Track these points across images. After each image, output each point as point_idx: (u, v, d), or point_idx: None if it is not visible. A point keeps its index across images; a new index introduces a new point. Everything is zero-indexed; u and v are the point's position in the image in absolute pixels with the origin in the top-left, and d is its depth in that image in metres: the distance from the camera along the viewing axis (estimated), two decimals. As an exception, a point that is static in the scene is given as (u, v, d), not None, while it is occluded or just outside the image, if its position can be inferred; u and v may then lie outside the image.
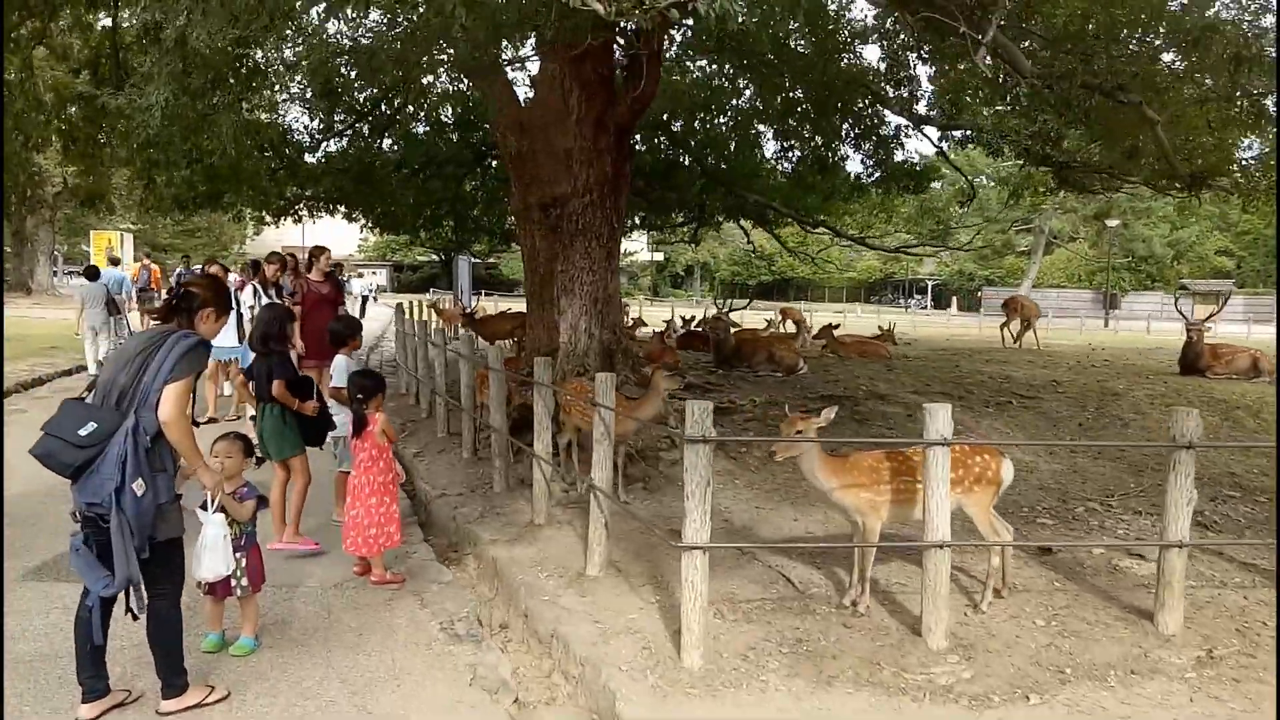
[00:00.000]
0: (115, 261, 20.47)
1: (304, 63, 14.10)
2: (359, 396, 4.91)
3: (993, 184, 35.12)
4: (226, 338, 8.25)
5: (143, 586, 3.27)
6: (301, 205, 17.35)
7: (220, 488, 3.73)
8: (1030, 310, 16.34)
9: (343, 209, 17.69)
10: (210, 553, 3.72)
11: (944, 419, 3.94)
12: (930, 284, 71.91)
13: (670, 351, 10.08)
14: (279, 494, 5.63)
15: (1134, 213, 48.53)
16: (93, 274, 14.55)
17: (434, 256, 66.49)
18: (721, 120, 13.19)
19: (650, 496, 6.58)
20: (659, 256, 68.58)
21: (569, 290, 8.27)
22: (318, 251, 8.61)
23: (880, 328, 13.17)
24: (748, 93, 12.68)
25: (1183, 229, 54.13)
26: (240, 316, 9.09)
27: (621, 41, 7.89)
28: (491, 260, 70.03)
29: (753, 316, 19.00)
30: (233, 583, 3.91)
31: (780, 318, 18.31)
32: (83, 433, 3.17)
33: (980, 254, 56.43)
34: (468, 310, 20.35)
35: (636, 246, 63.22)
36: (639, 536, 5.51)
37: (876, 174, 12.73)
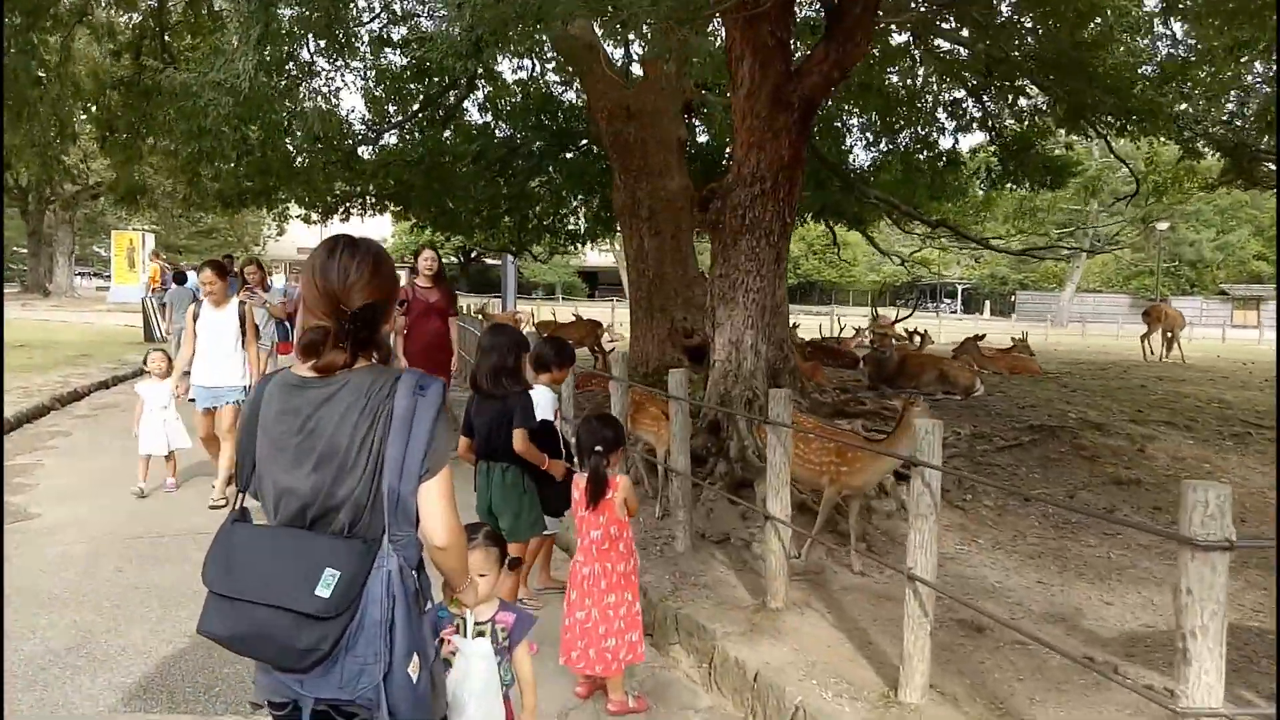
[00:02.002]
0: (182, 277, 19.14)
1: (386, 41, 12.84)
2: (597, 449, 3.48)
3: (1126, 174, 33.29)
4: (224, 371, 6.44)
5: None
6: (353, 202, 16.08)
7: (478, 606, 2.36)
8: (1175, 320, 14.90)
9: (395, 206, 16.44)
10: (479, 700, 2.32)
11: (1216, 501, 2.43)
12: (960, 288, 70.34)
13: (816, 369, 8.68)
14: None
15: (1182, 215, 46.93)
16: (181, 278, 13.57)
17: (453, 259, 65.15)
18: (853, 107, 11.71)
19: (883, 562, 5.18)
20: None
21: (729, 298, 6.87)
22: (421, 250, 7.23)
23: (1013, 339, 11.78)
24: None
25: (1229, 233, 52.54)
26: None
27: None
28: (496, 262, 68.66)
29: (814, 323, 17.63)
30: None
31: (866, 324, 16.85)
32: (323, 593, 1.76)
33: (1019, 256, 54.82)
34: (516, 316, 18.99)
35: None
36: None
37: (1014, 167, 11.31)
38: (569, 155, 13.40)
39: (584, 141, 13.30)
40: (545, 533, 4.65)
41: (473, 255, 64.75)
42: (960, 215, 15.40)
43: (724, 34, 7.51)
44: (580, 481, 3.58)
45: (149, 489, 6.64)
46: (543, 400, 4.53)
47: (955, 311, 65.41)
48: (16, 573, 4.81)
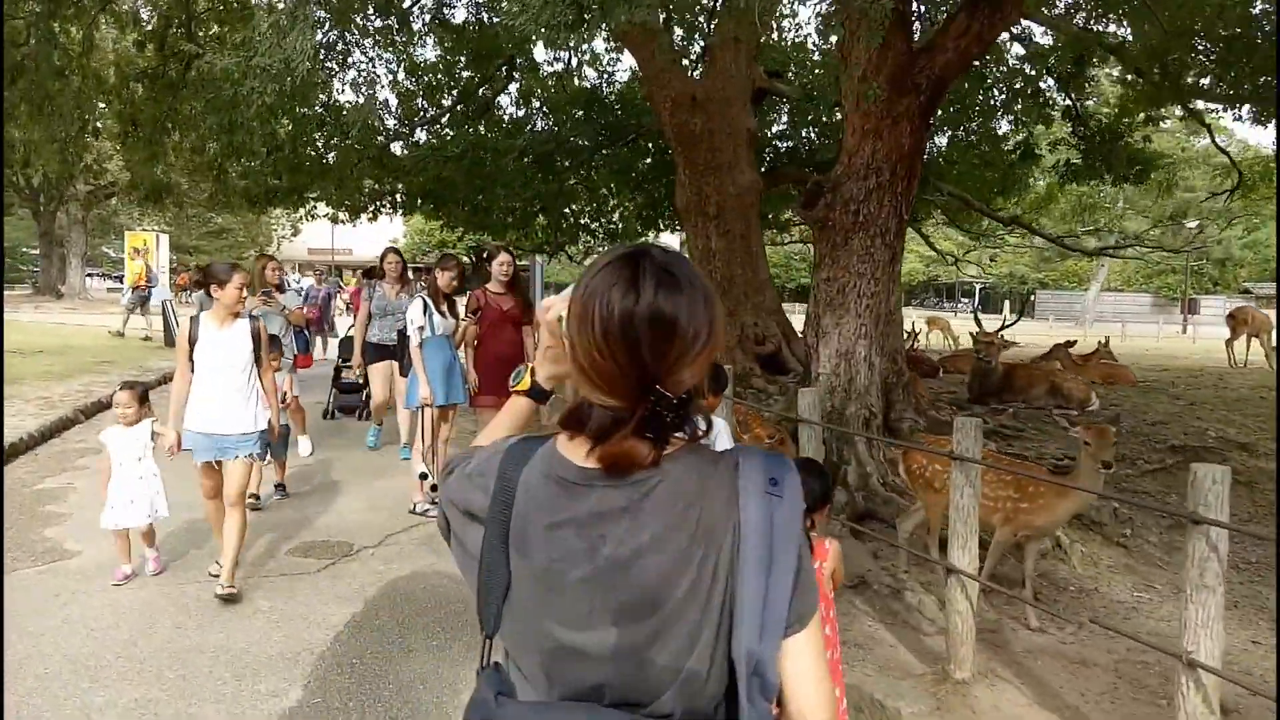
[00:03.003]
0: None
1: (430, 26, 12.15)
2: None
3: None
4: (233, 414, 4.63)
5: None
6: (384, 201, 15.41)
7: None
8: (1262, 323, 14.10)
9: (426, 205, 15.75)
10: None
11: None
12: (978, 287, 69.37)
13: (914, 380, 7.94)
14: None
15: (1210, 213, 46.05)
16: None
17: (464, 258, 64.63)
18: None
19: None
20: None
21: (837, 304, 6.16)
22: (493, 253, 6.52)
23: (1099, 343, 11.03)
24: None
25: (1255, 230, 51.52)
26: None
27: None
28: (524, 263, 68.08)
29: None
30: None
31: (926, 328, 16.13)
32: None
33: (1042, 255, 53.94)
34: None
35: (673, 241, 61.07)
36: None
37: (1097, 160, 10.56)
38: (615, 151, 12.67)
39: (632, 136, 12.58)
40: None
41: (485, 256, 64.38)
42: (1016, 211, 14.66)
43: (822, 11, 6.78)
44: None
45: (134, 569, 4.88)
46: (722, 433, 3.86)
47: (975, 311, 64.33)
48: (62, 632, 4.12)
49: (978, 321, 8.34)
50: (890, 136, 5.90)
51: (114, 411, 4.81)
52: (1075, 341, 10.80)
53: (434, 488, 6.09)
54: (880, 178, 5.98)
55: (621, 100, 12.35)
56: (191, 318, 4.72)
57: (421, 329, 6.10)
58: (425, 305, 6.15)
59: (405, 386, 6.47)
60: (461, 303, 6.64)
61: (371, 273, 10.83)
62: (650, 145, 12.93)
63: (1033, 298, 63.26)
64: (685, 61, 10.73)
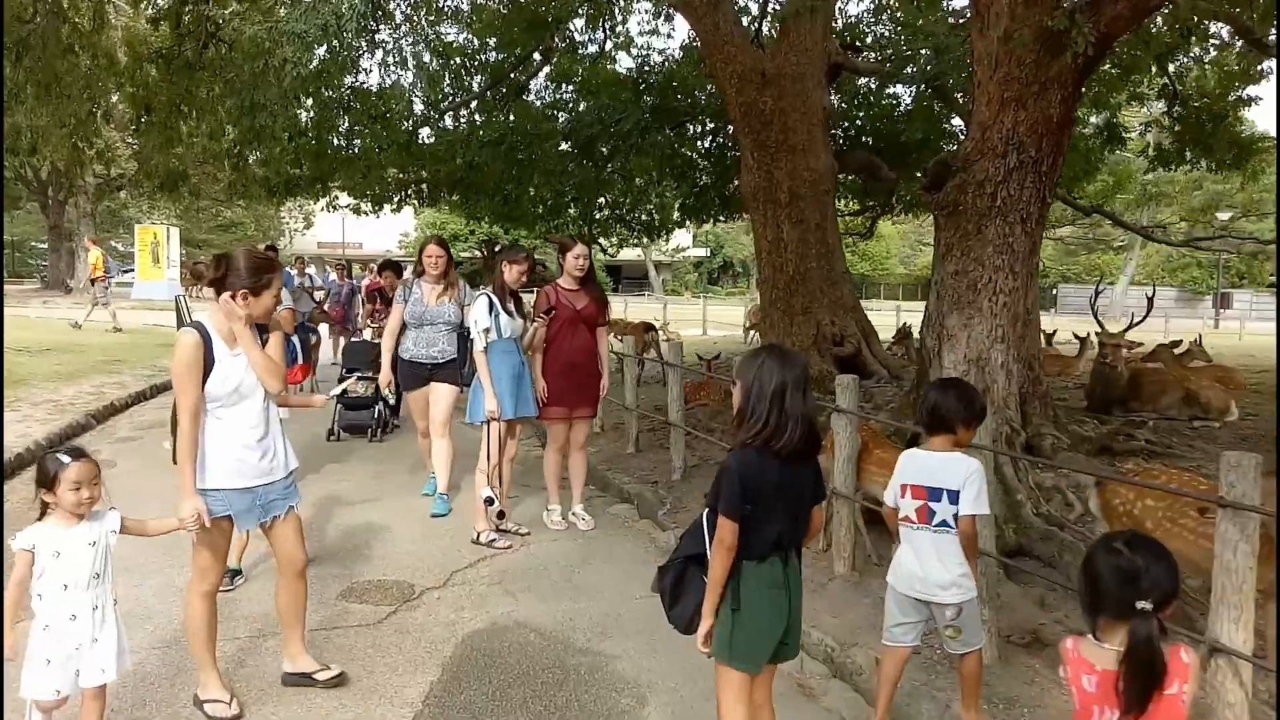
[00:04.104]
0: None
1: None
2: (1141, 605, 1.90)
3: None
4: (282, 457, 3.45)
5: None
6: (408, 191, 14.59)
7: None
8: None
9: (452, 195, 14.93)
10: None
11: None
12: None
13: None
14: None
15: (1244, 205, 44.92)
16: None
17: (475, 253, 63.53)
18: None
19: None
20: (700, 251, 65.11)
21: (967, 302, 5.32)
22: (567, 246, 5.68)
23: (1192, 341, 10.09)
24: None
25: (1286, 222, 50.34)
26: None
27: None
28: (537, 257, 66.85)
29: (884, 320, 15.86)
30: None
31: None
32: None
33: (1067, 249, 52.93)
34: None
35: (684, 240, 59.62)
36: None
37: (1194, 144, 9.68)
38: (661, 135, 11.81)
39: (682, 119, 11.72)
40: None
41: (497, 249, 63.36)
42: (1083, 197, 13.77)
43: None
44: (1095, 657, 2.00)
45: None
46: (971, 477, 3.08)
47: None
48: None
49: (1097, 320, 7.48)
50: (1036, 106, 5.05)
51: (61, 496, 2.81)
52: (1180, 342, 9.91)
53: (500, 514, 5.27)
54: (1022, 154, 5.12)
55: (670, 79, 11.47)
56: (195, 333, 3.19)
57: (487, 331, 5.27)
58: (491, 304, 5.31)
59: (467, 399, 5.60)
60: (528, 301, 5.82)
61: (390, 267, 9.83)
62: (698, 128, 12.06)
63: (1054, 291, 62.29)
64: (748, 32, 9.84)
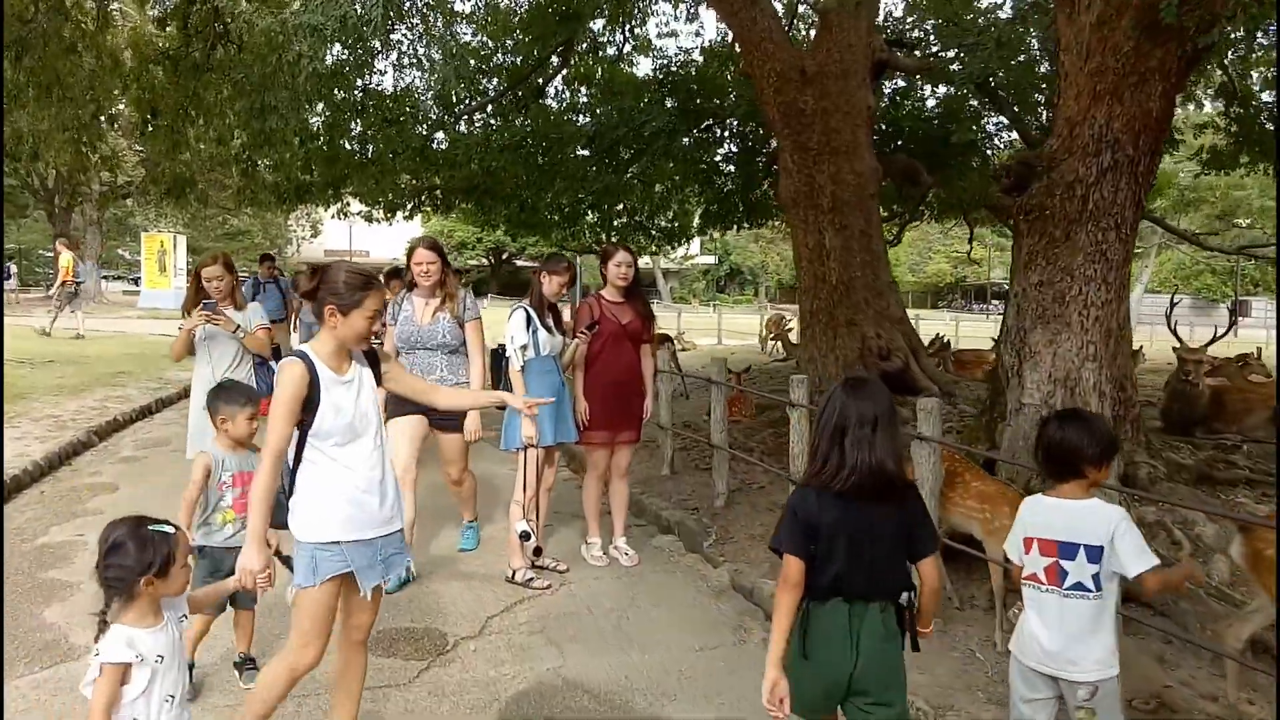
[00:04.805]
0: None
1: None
2: None
3: None
4: (397, 502, 2.97)
5: None
6: (423, 197, 14.16)
7: None
8: None
9: (465, 202, 14.48)
10: None
11: None
12: (1006, 289, 67.17)
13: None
14: None
15: (1261, 212, 44.36)
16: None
17: (483, 260, 62.96)
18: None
19: None
20: (709, 259, 64.54)
21: (1054, 316, 4.82)
22: (610, 254, 5.19)
23: (1252, 354, 9.50)
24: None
25: (1303, 228, 49.74)
26: None
27: None
28: (524, 262, 66.19)
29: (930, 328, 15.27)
30: None
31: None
32: None
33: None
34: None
35: (693, 247, 59.00)
36: None
37: (1251, 146, 9.16)
38: (687, 138, 11.34)
39: (709, 121, 11.25)
40: None
41: (504, 256, 62.75)
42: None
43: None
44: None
45: None
46: (1121, 530, 2.60)
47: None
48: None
49: (1175, 333, 6.96)
50: (1133, 99, 4.56)
51: (173, 577, 2.22)
52: (1246, 355, 9.34)
53: (538, 551, 4.76)
54: (1117, 153, 4.63)
55: (694, 81, 10.98)
56: (301, 363, 2.69)
57: (524, 348, 4.78)
58: (528, 317, 4.83)
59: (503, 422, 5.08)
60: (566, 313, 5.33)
61: (398, 275, 8.72)
62: (725, 131, 11.59)
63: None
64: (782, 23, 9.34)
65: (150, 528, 2.21)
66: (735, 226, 13.71)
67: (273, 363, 4.97)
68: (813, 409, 4.67)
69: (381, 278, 12.49)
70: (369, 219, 14.76)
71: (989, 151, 10.95)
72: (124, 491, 7.00)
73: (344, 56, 8.70)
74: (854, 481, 2.37)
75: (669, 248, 15.75)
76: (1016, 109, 9.71)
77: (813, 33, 9.49)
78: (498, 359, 5.03)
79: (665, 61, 11.54)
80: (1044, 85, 9.15)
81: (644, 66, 14.00)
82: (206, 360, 4.97)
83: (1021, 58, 8.81)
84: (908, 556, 2.50)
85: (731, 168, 12.04)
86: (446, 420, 4.84)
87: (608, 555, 5.30)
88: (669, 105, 10.33)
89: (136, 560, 2.13)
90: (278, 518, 2.78)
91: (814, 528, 2.40)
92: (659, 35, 15.14)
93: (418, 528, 5.13)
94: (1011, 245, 5.23)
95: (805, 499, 2.45)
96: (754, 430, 8.74)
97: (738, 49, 9.19)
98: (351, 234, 46.96)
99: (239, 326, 4.93)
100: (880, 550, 2.42)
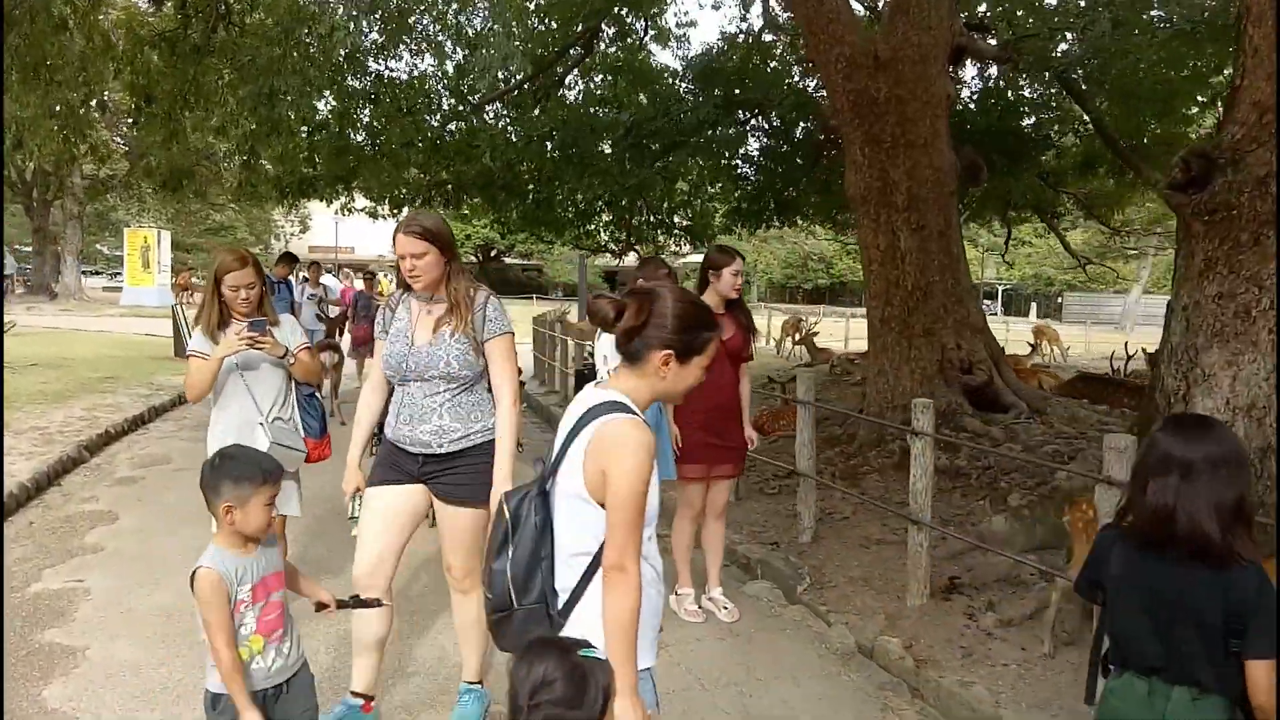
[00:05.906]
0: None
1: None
2: None
3: None
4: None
5: None
6: (433, 192, 13.37)
7: None
8: None
9: (483, 197, 13.71)
10: None
11: None
12: (1001, 289, 67.32)
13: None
14: None
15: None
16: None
17: (471, 258, 61.97)
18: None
19: None
20: (699, 258, 63.97)
21: (1234, 333, 4.14)
22: (723, 259, 4.42)
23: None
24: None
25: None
26: None
27: None
28: (533, 262, 65.37)
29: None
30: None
31: (1036, 340, 14.22)
32: None
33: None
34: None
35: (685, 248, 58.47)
36: None
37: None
38: (723, 132, 10.61)
39: (753, 112, 10.52)
40: None
41: (493, 253, 61.79)
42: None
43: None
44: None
45: None
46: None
47: (995, 313, 62.42)
48: None
49: None
50: (1341, 81, 3.89)
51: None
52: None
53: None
54: (1312, 142, 3.96)
55: (737, 71, 10.24)
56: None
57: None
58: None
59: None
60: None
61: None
62: (766, 122, 10.85)
63: (1059, 299, 61.36)
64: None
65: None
66: (765, 225, 13.00)
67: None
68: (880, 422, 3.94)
69: (365, 275, 11.70)
70: (374, 215, 13.98)
71: (1054, 147, 10.29)
72: (125, 521, 6.19)
73: (360, 40, 7.94)
74: (1148, 527, 2.08)
75: (691, 246, 15.04)
76: (1102, 102, 8.95)
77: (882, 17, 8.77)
78: (583, 381, 4.28)
79: (707, 47, 10.80)
80: (1164, 68, 8.32)
81: (661, 58, 13.27)
82: (244, 394, 3.72)
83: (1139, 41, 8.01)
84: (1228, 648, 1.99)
85: (769, 162, 11.32)
86: (457, 479, 3.17)
87: (703, 608, 4.56)
88: (715, 94, 9.58)
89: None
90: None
91: (1102, 572, 2.19)
92: (678, 25, 14.40)
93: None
94: (1177, 250, 4.54)
95: (1103, 538, 2.27)
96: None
97: (776, 38, 8.49)
98: (337, 230, 45.92)
99: (287, 350, 3.75)
100: (1179, 619, 2.04)
